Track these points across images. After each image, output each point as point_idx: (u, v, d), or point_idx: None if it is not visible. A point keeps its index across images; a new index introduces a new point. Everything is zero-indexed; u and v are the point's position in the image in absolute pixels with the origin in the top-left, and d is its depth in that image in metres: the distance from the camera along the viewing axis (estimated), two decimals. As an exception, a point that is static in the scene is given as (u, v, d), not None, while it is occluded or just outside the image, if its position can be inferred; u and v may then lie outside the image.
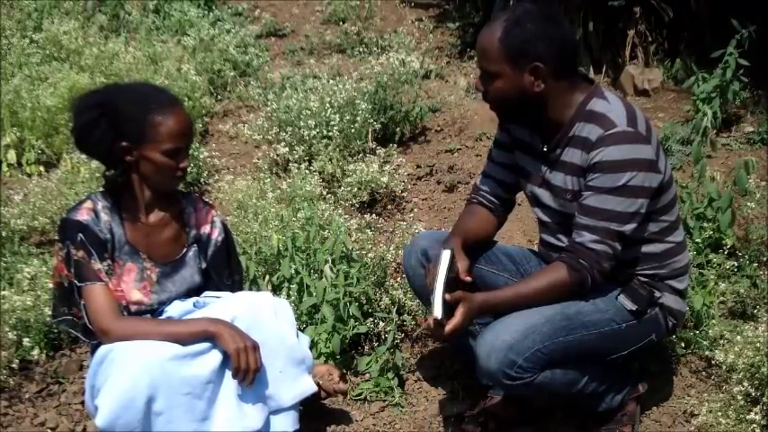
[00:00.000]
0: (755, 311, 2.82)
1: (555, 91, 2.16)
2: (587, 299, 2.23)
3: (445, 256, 2.10)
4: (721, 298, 2.91)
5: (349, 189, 3.78)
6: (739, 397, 2.34)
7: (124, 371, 1.95)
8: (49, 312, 2.51)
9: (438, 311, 2.05)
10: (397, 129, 4.44)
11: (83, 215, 2.13)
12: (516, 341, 2.12)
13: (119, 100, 2.12)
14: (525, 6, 2.16)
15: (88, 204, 2.16)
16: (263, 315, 2.17)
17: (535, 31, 2.10)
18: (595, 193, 2.12)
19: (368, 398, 2.67)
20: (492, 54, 2.14)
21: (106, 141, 2.10)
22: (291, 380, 2.19)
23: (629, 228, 2.14)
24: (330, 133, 4.10)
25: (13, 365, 2.67)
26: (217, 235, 2.34)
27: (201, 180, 4.06)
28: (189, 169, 2.24)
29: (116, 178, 2.16)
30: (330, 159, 3.99)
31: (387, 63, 4.63)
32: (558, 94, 2.17)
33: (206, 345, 2.06)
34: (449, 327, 2.09)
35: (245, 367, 2.05)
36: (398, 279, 3.08)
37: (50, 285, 2.40)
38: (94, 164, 3.60)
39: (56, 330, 2.80)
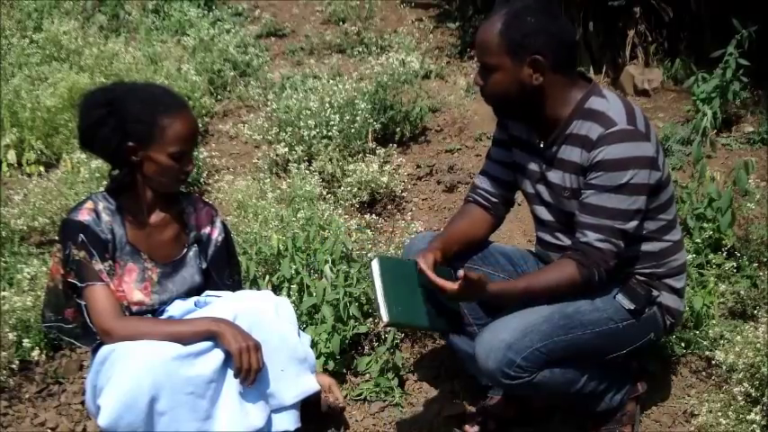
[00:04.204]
0: (755, 312, 2.82)
1: (553, 85, 2.16)
2: (586, 298, 2.23)
3: (374, 266, 2.16)
4: (721, 298, 2.90)
5: (349, 189, 3.78)
6: (739, 397, 2.34)
7: (127, 371, 1.95)
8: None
9: (384, 315, 2.09)
10: (397, 129, 4.44)
11: (84, 216, 2.13)
12: (515, 340, 2.12)
13: (128, 99, 2.11)
14: (524, 1, 2.17)
15: (89, 205, 2.16)
16: (264, 314, 2.17)
17: (535, 25, 2.11)
18: (597, 191, 2.13)
19: (368, 398, 2.67)
20: (492, 47, 2.14)
21: (113, 140, 2.10)
22: (293, 378, 2.20)
23: (631, 225, 2.15)
24: (330, 133, 4.10)
25: (13, 365, 2.67)
26: (217, 235, 2.34)
27: (201, 180, 4.06)
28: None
29: (122, 178, 2.16)
30: (330, 159, 3.99)
31: (387, 63, 4.63)
32: (556, 89, 2.17)
33: (208, 344, 2.06)
34: (447, 286, 2.11)
35: (248, 367, 2.05)
36: (398, 279, 3.08)
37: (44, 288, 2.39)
38: (94, 164, 3.60)
39: (54, 332, 2.79)
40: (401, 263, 2.27)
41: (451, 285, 2.11)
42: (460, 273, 2.10)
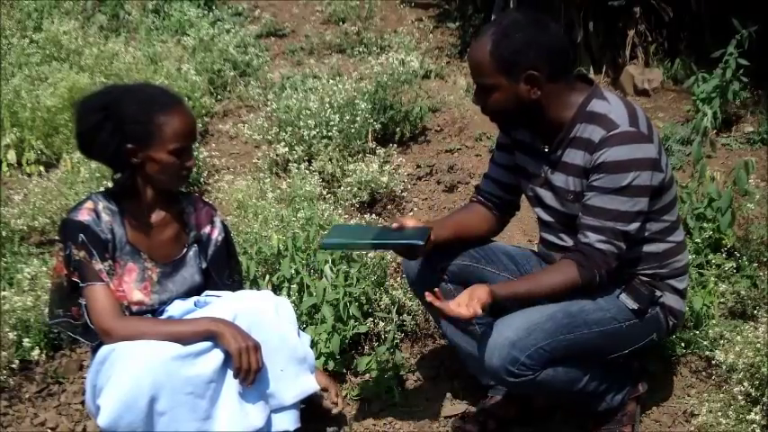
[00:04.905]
0: (755, 312, 2.82)
1: (552, 95, 2.16)
2: (589, 297, 2.24)
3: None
4: (721, 298, 2.90)
5: (349, 189, 3.78)
6: (739, 397, 2.34)
7: (127, 371, 1.95)
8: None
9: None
10: (397, 129, 4.44)
11: (84, 215, 2.13)
12: (519, 338, 2.12)
13: (123, 101, 2.11)
14: (511, 16, 2.18)
15: (89, 205, 2.16)
16: (264, 314, 2.17)
17: (524, 39, 2.10)
18: (599, 193, 2.13)
19: (368, 398, 2.67)
20: (485, 68, 2.14)
21: (112, 144, 2.10)
22: (293, 378, 2.20)
23: (633, 227, 2.15)
24: (330, 133, 4.10)
25: (13, 365, 2.67)
26: (217, 234, 2.34)
27: (201, 180, 4.06)
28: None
29: (125, 182, 2.16)
30: (330, 159, 3.99)
31: (387, 63, 4.63)
32: (555, 98, 2.17)
33: (207, 344, 2.06)
34: (456, 311, 2.05)
35: (247, 367, 2.05)
36: (398, 279, 3.08)
37: (49, 286, 2.40)
38: (94, 164, 3.60)
39: (56, 330, 2.80)
40: (359, 227, 2.35)
41: (472, 312, 2.06)
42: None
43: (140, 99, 2.13)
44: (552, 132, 2.23)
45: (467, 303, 2.07)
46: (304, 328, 2.66)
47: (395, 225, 2.24)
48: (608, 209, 2.12)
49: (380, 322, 2.82)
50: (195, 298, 2.27)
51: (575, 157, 2.19)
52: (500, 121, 2.27)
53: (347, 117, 4.16)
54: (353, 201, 3.76)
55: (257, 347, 2.07)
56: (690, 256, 2.87)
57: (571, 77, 2.22)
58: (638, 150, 2.11)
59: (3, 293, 2.82)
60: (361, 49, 5.61)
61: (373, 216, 3.63)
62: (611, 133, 2.11)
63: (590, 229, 2.15)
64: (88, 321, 2.14)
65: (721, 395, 2.45)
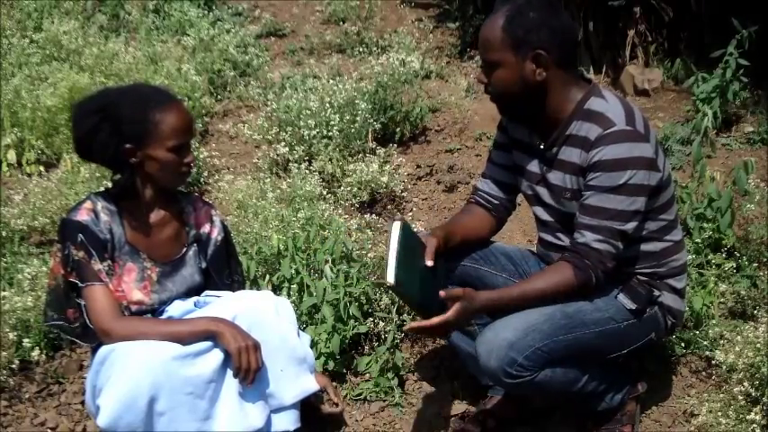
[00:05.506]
0: (755, 312, 2.82)
1: (555, 82, 2.17)
2: (587, 298, 2.23)
3: (395, 227, 2.07)
4: (721, 298, 2.90)
5: (349, 189, 3.78)
6: (739, 397, 2.34)
7: (126, 371, 1.95)
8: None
9: (391, 276, 2.00)
10: (397, 129, 4.44)
11: (83, 216, 2.14)
12: (517, 339, 2.12)
13: (117, 103, 2.11)
14: None
15: (88, 205, 2.16)
16: (264, 314, 2.17)
17: (538, 20, 2.12)
18: (596, 192, 2.13)
19: (368, 398, 2.67)
20: (495, 43, 2.15)
21: (110, 146, 2.10)
22: (293, 379, 2.20)
23: (630, 226, 2.15)
24: (330, 133, 4.10)
25: (13, 365, 2.67)
26: (216, 234, 2.34)
27: (201, 180, 4.06)
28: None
29: (126, 182, 2.16)
30: (330, 159, 3.99)
31: (387, 63, 4.63)
32: (558, 86, 2.18)
33: (207, 344, 2.06)
34: (437, 320, 2.09)
35: (246, 367, 2.05)
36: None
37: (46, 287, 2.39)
38: (94, 164, 3.60)
39: (56, 331, 2.79)
40: (416, 236, 2.21)
41: (442, 318, 2.10)
42: (442, 293, 2.08)
43: (135, 99, 2.13)
44: (549, 128, 2.23)
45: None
46: (304, 328, 2.66)
47: (429, 263, 2.17)
48: (605, 208, 2.12)
49: (380, 322, 2.82)
50: (195, 298, 2.27)
51: (571, 154, 2.19)
52: (501, 103, 2.26)
53: (347, 117, 4.16)
54: (353, 201, 3.76)
55: (257, 347, 2.07)
56: (690, 256, 2.88)
57: (575, 71, 2.23)
58: (635, 149, 2.11)
59: (3, 293, 2.82)
60: (361, 49, 5.61)
61: (373, 216, 3.63)
62: (608, 131, 2.11)
63: (587, 228, 2.15)
64: (87, 322, 2.14)
65: (721, 395, 2.45)
